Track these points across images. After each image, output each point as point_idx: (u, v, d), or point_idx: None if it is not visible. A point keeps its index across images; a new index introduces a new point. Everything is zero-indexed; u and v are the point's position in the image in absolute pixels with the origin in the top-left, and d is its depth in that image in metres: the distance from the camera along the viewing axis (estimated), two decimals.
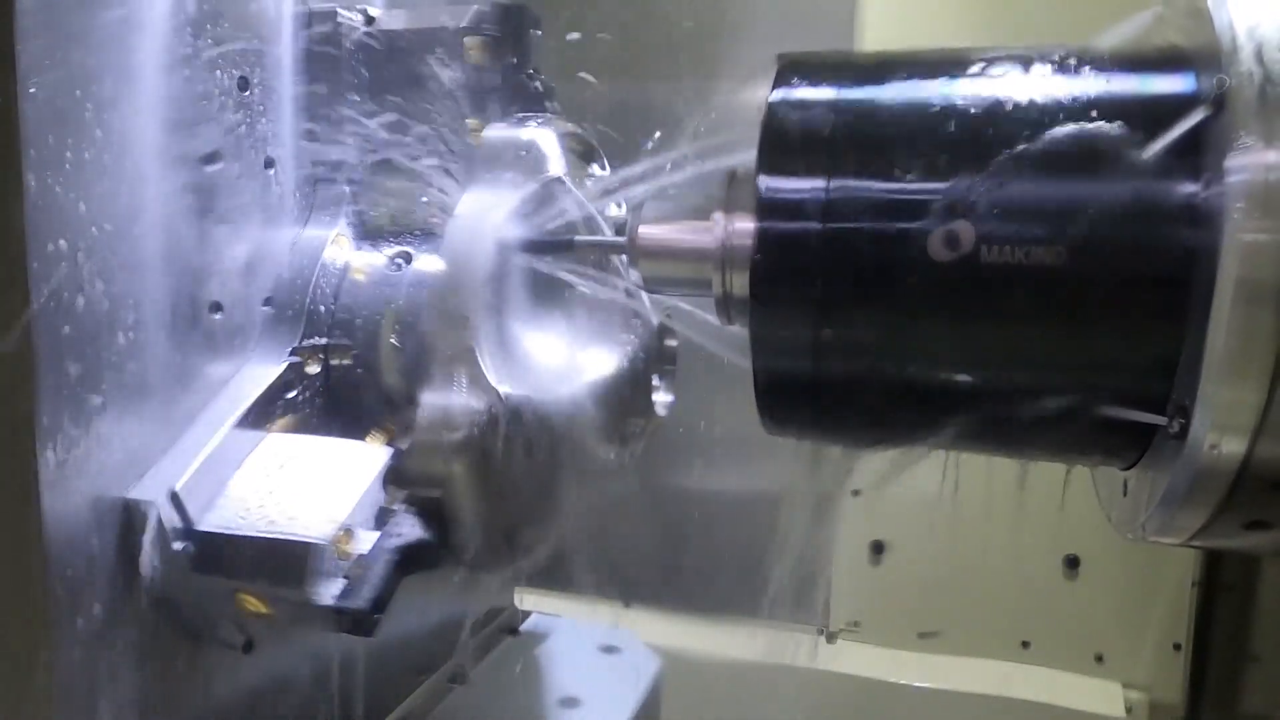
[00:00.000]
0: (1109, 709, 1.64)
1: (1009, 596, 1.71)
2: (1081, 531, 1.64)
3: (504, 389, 0.75)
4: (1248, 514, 0.56)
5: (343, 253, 0.81)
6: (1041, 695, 1.66)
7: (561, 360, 0.86)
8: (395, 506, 0.74)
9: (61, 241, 0.57)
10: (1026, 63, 0.59)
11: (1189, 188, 0.53)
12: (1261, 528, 0.56)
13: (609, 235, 0.81)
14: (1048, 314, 0.57)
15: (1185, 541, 0.60)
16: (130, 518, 0.63)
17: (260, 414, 0.73)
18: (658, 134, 0.75)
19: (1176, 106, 0.54)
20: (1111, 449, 0.63)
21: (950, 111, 0.58)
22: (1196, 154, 0.53)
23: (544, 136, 0.83)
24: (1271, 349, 0.50)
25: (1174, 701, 1.68)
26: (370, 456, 0.73)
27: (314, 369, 0.78)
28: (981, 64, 0.60)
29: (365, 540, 0.70)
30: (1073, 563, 1.69)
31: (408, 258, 0.80)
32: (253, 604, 0.68)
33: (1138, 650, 1.69)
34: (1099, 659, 1.70)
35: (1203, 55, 0.56)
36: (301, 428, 0.76)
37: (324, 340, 0.78)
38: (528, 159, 0.82)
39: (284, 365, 0.76)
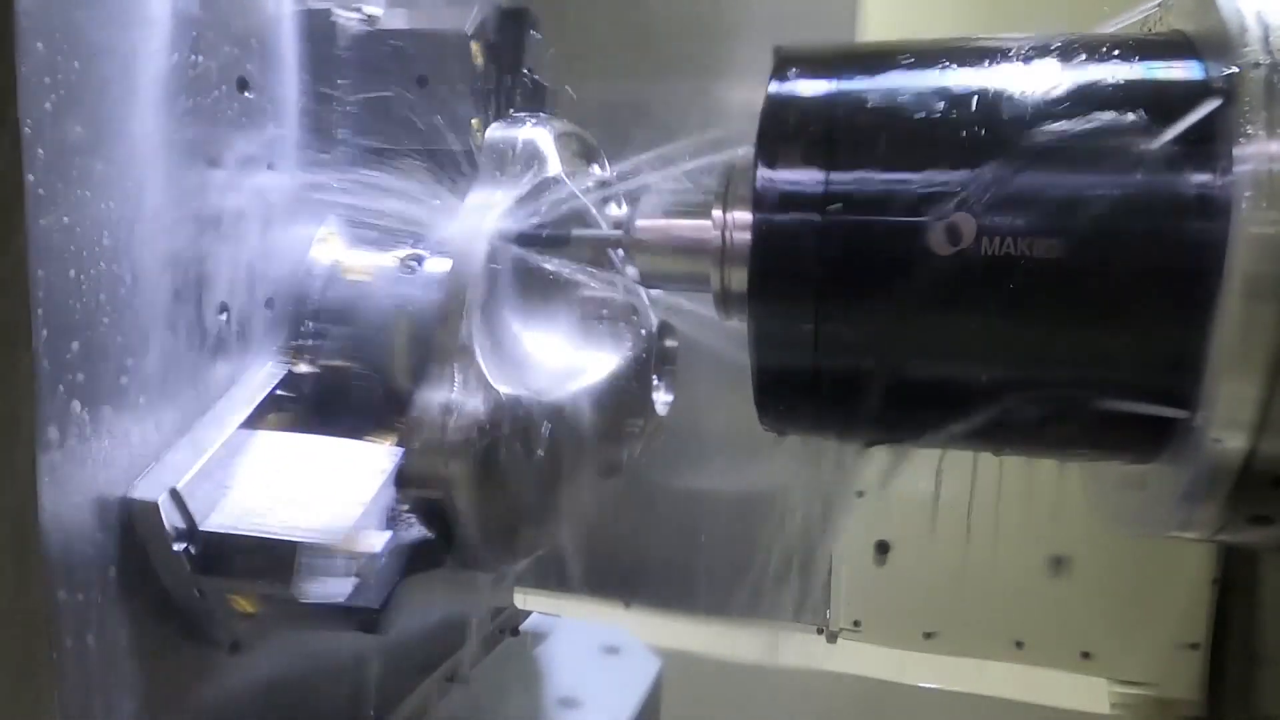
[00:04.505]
0: (1105, 708, 1.64)
1: (1012, 597, 1.71)
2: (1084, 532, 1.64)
3: (504, 389, 0.75)
4: (1251, 509, 0.56)
5: (346, 255, 0.81)
6: (1039, 696, 1.66)
7: (561, 360, 0.86)
8: (400, 506, 0.73)
9: (63, 242, 0.57)
10: (1028, 52, 0.59)
11: (1196, 178, 0.53)
12: (1264, 523, 0.56)
13: (606, 230, 0.81)
14: (1050, 307, 0.56)
15: (1206, 537, 0.59)
16: (132, 517, 0.63)
17: (265, 414, 0.73)
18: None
19: (1183, 95, 0.54)
20: (1118, 445, 0.62)
21: (950, 103, 0.58)
22: (1207, 144, 0.53)
23: (543, 136, 0.83)
24: (1272, 344, 0.50)
25: (1185, 700, 1.68)
26: (381, 457, 0.73)
27: (318, 370, 0.78)
28: (982, 55, 0.59)
29: (376, 540, 0.69)
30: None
31: (419, 260, 0.80)
32: (256, 604, 0.68)
33: (1141, 650, 1.69)
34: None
35: (1209, 42, 0.55)
36: (306, 428, 0.76)
37: (330, 342, 0.78)
38: (528, 159, 0.82)
39: (287, 365, 0.76)
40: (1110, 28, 0.62)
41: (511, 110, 0.91)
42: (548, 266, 0.80)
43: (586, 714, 1.06)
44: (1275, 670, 1.56)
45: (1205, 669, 1.67)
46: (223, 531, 0.66)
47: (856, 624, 1.78)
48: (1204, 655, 1.67)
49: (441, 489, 0.74)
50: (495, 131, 0.84)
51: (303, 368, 0.78)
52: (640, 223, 0.71)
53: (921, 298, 0.58)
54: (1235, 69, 0.51)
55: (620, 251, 0.75)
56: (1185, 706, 1.69)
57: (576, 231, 0.78)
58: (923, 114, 0.58)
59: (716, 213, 0.65)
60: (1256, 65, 0.51)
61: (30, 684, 0.58)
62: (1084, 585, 1.68)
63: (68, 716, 0.59)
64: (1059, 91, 0.56)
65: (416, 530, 0.74)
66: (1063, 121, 0.55)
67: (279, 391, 0.75)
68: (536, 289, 0.84)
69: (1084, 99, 0.55)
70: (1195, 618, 1.67)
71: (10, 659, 0.58)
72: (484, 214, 0.78)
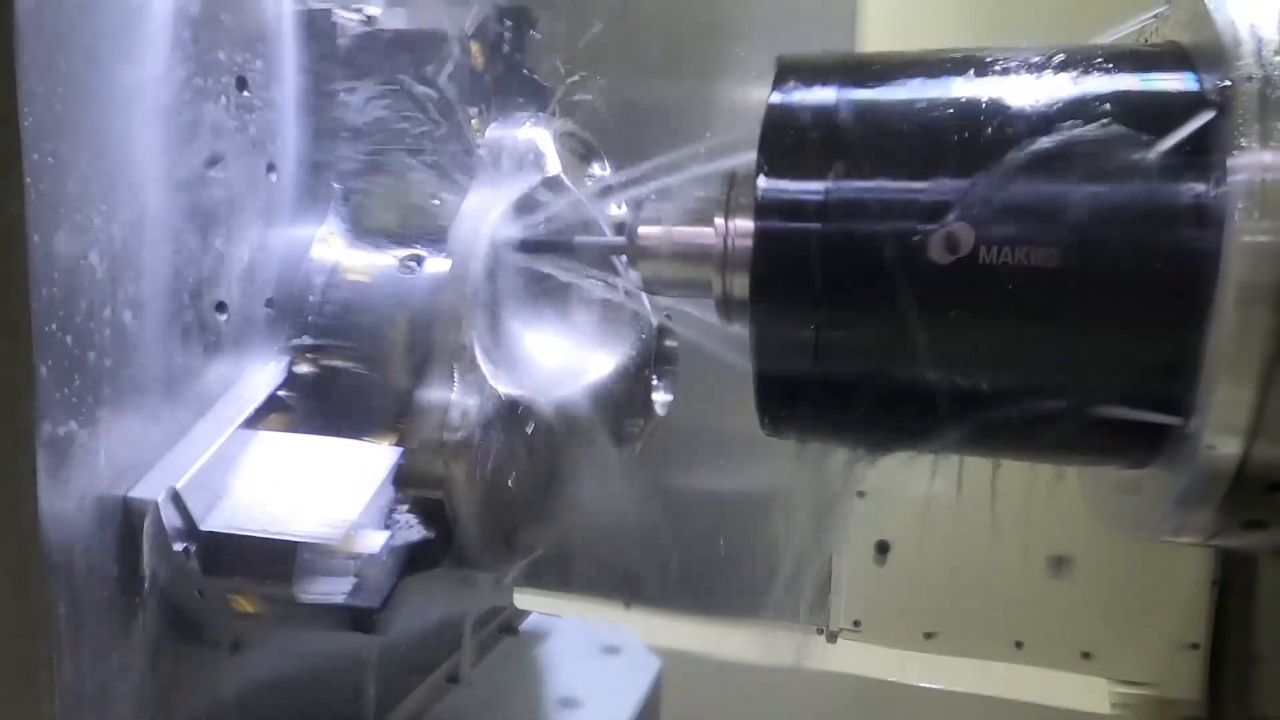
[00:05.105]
0: (1105, 708, 1.64)
1: (1013, 597, 1.71)
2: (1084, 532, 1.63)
3: (503, 389, 0.75)
4: (1245, 513, 0.56)
5: (346, 255, 0.81)
6: (1039, 696, 1.66)
7: (561, 360, 0.86)
8: (398, 506, 0.74)
9: (63, 242, 0.57)
10: (1026, 63, 0.59)
11: (1191, 188, 0.54)
12: (1258, 527, 0.57)
13: (608, 235, 0.81)
14: (1047, 315, 0.57)
15: (1200, 541, 0.60)
16: (131, 517, 0.63)
17: (265, 414, 0.73)
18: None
19: (1178, 107, 0.55)
20: (1115, 451, 0.63)
21: (949, 113, 0.58)
22: (1201, 155, 0.54)
23: (542, 136, 0.83)
24: (1266, 350, 0.50)
25: (1185, 700, 1.68)
26: (380, 457, 0.73)
27: (317, 370, 0.78)
28: (980, 65, 0.60)
29: (375, 540, 0.70)
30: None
31: (419, 260, 0.80)
32: (256, 604, 0.68)
33: (1142, 650, 1.69)
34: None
35: (1204, 55, 0.56)
36: (305, 428, 0.76)
37: (330, 342, 0.78)
38: (527, 159, 0.82)
39: (287, 365, 0.76)
40: (1107, 38, 0.62)
41: (513, 110, 0.92)
42: (550, 271, 0.80)
43: (586, 714, 1.06)
44: (1272, 670, 1.56)
45: (1205, 669, 1.67)
46: (222, 531, 0.66)
47: (856, 624, 1.78)
48: (1204, 655, 1.67)
49: (441, 489, 0.74)
50: (495, 131, 0.84)
51: (303, 367, 0.78)
52: (643, 230, 0.71)
53: (920, 306, 0.58)
54: (1229, 82, 0.52)
55: (623, 256, 0.76)
56: (1185, 706, 1.69)
57: (580, 238, 0.79)
58: (922, 124, 0.59)
59: (719, 220, 0.65)
60: (1250, 79, 0.51)
61: (30, 684, 0.58)
62: (1084, 585, 1.68)
63: (67, 717, 0.59)
64: (1056, 102, 0.56)
65: (416, 530, 0.74)
66: (1060, 132, 0.55)
67: (279, 391, 0.75)
68: (537, 289, 0.84)
69: (1081, 109, 0.56)
70: (1195, 618, 1.67)
71: (10, 659, 0.58)
72: (483, 214, 0.78)
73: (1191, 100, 0.54)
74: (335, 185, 0.81)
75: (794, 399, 0.65)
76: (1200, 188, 0.53)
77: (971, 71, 0.60)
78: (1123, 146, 0.54)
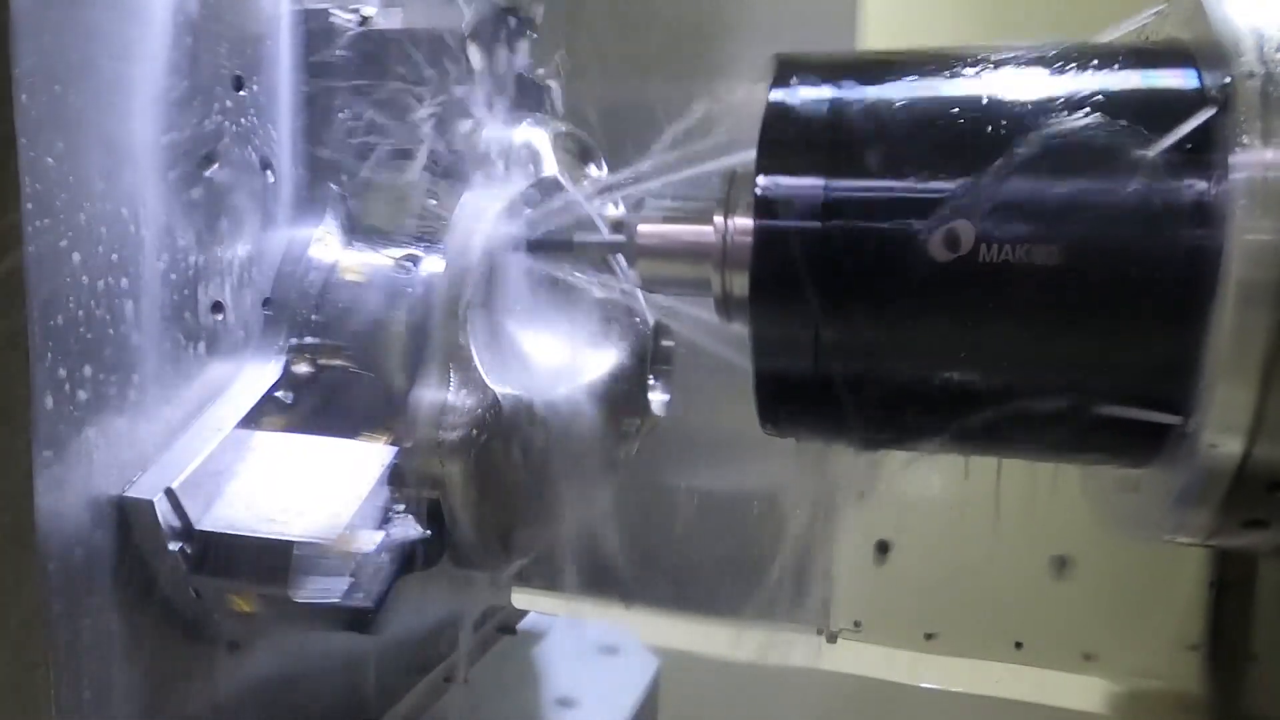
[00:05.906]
0: (1106, 708, 1.64)
1: (1015, 598, 1.71)
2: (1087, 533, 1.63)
3: (501, 389, 0.75)
4: (1246, 513, 0.56)
5: (343, 255, 0.81)
6: (1039, 695, 1.66)
7: (558, 359, 0.86)
8: (395, 505, 0.74)
9: (59, 241, 0.57)
10: (1026, 60, 0.59)
11: (1192, 186, 0.53)
12: (1259, 526, 0.56)
13: (607, 234, 0.81)
14: (1048, 314, 0.57)
15: (1200, 541, 0.60)
16: (128, 517, 0.63)
17: (261, 414, 0.73)
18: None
19: (1179, 104, 0.54)
20: (1115, 449, 0.63)
21: (949, 110, 0.58)
22: (1202, 152, 0.53)
23: (539, 136, 0.83)
24: (1266, 349, 0.50)
25: (1185, 700, 1.68)
26: (375, 456, 0.73)
27: (314, 369, 0.78)
28: (981, 62, 0.60)
29: (371, 539, 0.69)
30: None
31: (415, 260, 0.80)
32: (251, 603, 0.68)
33: (1143, 651, 1.69)
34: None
35: (1206, 52, 0.55)
36: (302, 428, 0.76)
37: (327, 341, 0.78)
38: (525, 159, 0.82)
39: (284, 365, 0.76)
40: (1108, 36, 0.62)
41: (510, 110, 0.91)
42: (549, 270, 0.80)
43: (584, 714, 1.06)
44: (1270, 669, 1.56)
45: (1205, 670, 1.67)
46: (218, 531, 0.66)
47: (857, 624, 1.78)
48: (1204, 656, 1.67)
49: (437, 488, 0.74)
50: (491, 131, 0.84)
51: (300, 367, 0.77)
52: (642, 228, 0.71)
53: (920, 304, 0.58)
54: (1230, 79, 0.52)
55: (621, 256, 0.76)
56: (1185, 707, 1.69)
57: (579, 237, 0.78)
58: (922, 121, 0.59)
59: (718, 218, 0.65)
60: (1251, 75, 0.51)
61: (28, 684, 0.58)
62: (1086, 586, 1.68)
63: (65, 716, 0.59)
64: (1057, 99, 0.56)
65: (412, 529, 0.74)
66: (1061, 129, 0.55)
67: (276, 391, 0.75)
68: (534, 288, 0.84)
69: (1082, 106, 0.56)
70: (1196, 619, 1.67)
71: (7, 659, 0.58)
72: (480, 214, 0.78)
73: (1193, 98, 0.54)
74: (332, 185, 0.81)
75: (794, 397, 0.65)
76: (1201, 185, 0.53)
77: (972, 69, 0.60)
78: (1124, 144, 0.54)
